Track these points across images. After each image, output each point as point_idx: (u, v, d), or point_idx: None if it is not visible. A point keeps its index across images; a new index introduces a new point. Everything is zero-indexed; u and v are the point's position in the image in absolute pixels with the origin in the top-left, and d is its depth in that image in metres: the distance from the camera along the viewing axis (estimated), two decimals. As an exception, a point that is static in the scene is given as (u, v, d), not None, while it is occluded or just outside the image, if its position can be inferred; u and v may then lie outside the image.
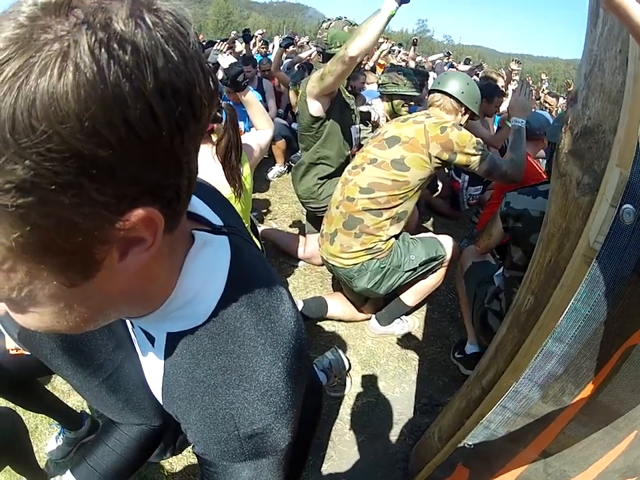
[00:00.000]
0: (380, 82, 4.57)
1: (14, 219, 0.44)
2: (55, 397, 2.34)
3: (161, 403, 0.90)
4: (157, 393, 0.89)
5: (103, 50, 0.42)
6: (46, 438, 2.56)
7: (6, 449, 1.79)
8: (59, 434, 2.49)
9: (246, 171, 2.57)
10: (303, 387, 0.85)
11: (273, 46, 10.43)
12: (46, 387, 2.46)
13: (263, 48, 10.25)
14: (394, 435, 2.72)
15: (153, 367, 0.88)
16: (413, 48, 12.02)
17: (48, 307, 0.57)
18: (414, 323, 3.58)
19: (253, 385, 0.73)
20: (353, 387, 3.00)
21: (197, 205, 0.82)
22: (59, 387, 2.76)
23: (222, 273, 0.76)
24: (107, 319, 0.68)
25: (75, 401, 2.69)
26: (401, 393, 3.02)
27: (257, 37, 11.01)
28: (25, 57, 0.41)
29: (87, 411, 2.63)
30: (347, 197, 3.01)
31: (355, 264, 3.00)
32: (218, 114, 2.42)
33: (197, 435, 0.78)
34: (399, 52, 12.45)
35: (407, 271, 3.05)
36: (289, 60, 7.62)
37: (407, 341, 3.47)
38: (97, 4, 0.45)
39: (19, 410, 2.14)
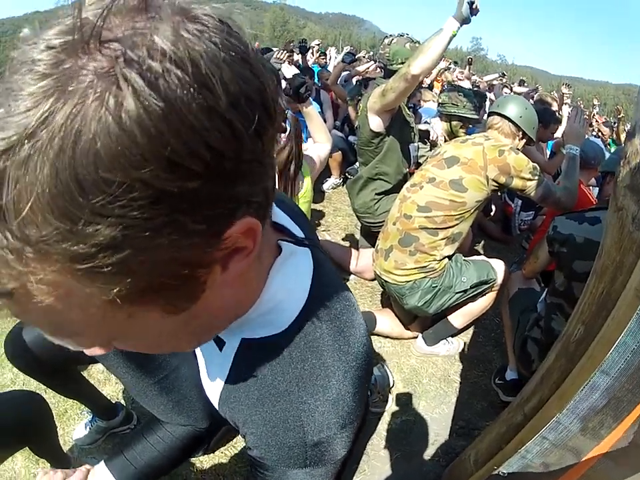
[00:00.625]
0: (440, 101, 4.56)
1: (110, 276, 0.43)
2: (90, 384, 2.37)
3: (215, 406, 0.92)
4: (214, 395, 0.91)
5: (159, 78, 0.39)
6: (74, 423, 2.61)
7: (25, 431, 1.82)
8: (90, 421, 2.52)
9: (307, 183, 2.58)
10: (365, 400, 0.85)
11: (330, 57, 10.46)
12: (82, 374, 2.48)
13: (322, 59, 10.24)
14: (428, 455, 2.70)
15: (214, 370, 0.89)
16: (468, 67, 11.98)
17: (156, 336, 0.58)
18: (459, 345, 3.56)
19: (325, 395, 0.74)
20: (393, 404, 2.99)
21: (282, 217, 0.83)
22: (95, 375, 2.82)
23: (305, 284, 0.77)
24: (211, 335, 0.70)
25: (110, 391, 2.75)
26: (439, 414, 3.00)
27: (313, 47, 11.04)
28: (69, 108, 0.37)
29: (122, 402, 2.67)
30: (405, 214, 3.02)
31: (408, 281, 3.00)
32: (282, 124, 2.44)
33: (260, 439, 0.78)
34: (454, 70, 12.44)
35: (457, 292, 3.05)
36: (346, 73, 7.64)
37: (450, 362, 3.44)
38: (131, 29, 0.41)
39: (50, 393, 2.18)
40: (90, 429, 2.51)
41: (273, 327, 0.75)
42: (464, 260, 3.15)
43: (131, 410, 2.66)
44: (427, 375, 3.29)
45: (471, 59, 12.48)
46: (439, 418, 2.96)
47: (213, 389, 0.90)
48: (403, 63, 3.33)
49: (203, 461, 2.44)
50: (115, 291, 0.44)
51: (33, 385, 2.67)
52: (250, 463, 0.87)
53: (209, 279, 0.52)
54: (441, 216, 2.89)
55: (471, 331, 3.76)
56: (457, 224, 2.92)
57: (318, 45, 12.04)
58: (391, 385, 3.06)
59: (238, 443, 2.55)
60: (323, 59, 10.27)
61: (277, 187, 2.40)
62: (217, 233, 0.48)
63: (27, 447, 1.91)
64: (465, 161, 2.88)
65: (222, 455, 2.49)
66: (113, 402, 2.57)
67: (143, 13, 0.42)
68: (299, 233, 0.84)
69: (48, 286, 0.43)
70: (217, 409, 0.92)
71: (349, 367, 0.77)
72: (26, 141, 0.37)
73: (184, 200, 0.42)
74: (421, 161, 4.03)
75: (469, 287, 3.06)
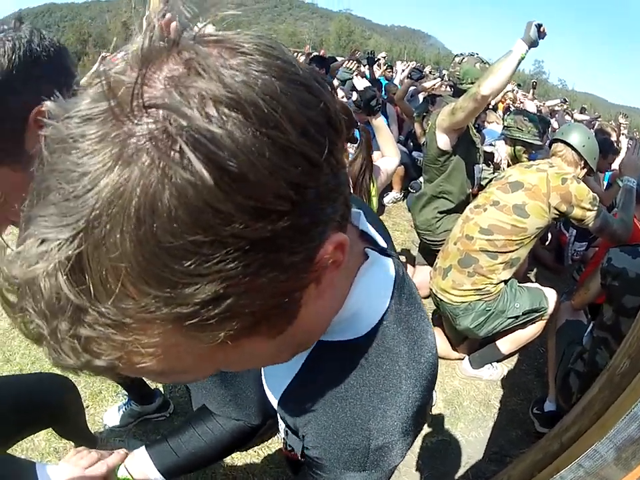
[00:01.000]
0: (505, 124, 4.54)
1: (215, 325, 0.43)
2: None
3: (274, 403, 0.93)
4: (275, 393, 0.92)
5: (219, 130, 0.36)
6: (107, 404, 2.67)
7: (51, 415, 1.83)
8: (125, 404, 2.57)
9: (373, 193, 2.60)
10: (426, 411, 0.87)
11: (396, 71, 10.45)
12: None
13: (388, 72, 10.20)
14: (458, 476, 2.71)
15: (280, 369, 0.87)
16: (532, 90, 11.88)
17: (260, 357, 0.60)
18: (502, 371, 3.54)
19: (395, 401, 0.75)
20: (432, 423, 2.99)
21: (368, 227, 0.83)
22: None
23: (387, 292, 0.78)
24: (311, 344, 0.72)
25: (150, 377, 2.80)
26: (475, 437, 2.99)
27: (380, 60, 11.03)
28: (133, 181, 0.35)
29: (161, 389, 2.71)
30: (466, 235, 3.04)
31: (463, 302, 3.02)
32: (354, 135, 2.46)
33: (323, 440, 0.79)
34: (517, 92, 12.34)
35: (509, 318, 3.05)
36: (412, 88, 7.62)
37: (492, 387, 3.43)
38: (171, 79, 0.38)
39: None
40: (123, 411, 2.56)
41: (352, 332, 0.76)
42: (518, 286, 3.15)
43: (169, 398, 2.71)
44: (469, 398, 3.29)
45: (535, 82, 12.40)
46: (474, 441, 2.96)
47: (275, 386, 0.92)
48: (472, 83, 3.35)
49: (235, 459, 2.47)
50: (222, 335, 0.44)
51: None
52: (307, 463, 0.88)
53: (304, 296, 0.52)
54: (502, 240, 2.89)
55: (515, 358, 3.73)
56: (517, 249, 2.93)
57: (384, 57, 12.06)
58: (433, 404, 3.07)
59: (272, 444, 2.58)
60: (390, 72, 10.22)
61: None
62: (311, 257, 0.47)
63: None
64: (529, 187, 2.89)
65: (254, 454, 2.52)
66: (152, 388, 2.61)
67: (176, 56, 0.40)
68: (382, 243, 0.85)
69: (154, 348, 0.43)
70: (275, 406, 0.93)
71: (419, 376, 0.78)
72: (96, 222, 0.36)
73: (277, 239, 0.41)
74: (483, 182, 4.04)
75: (520, 314, 3.05)
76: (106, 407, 2.66)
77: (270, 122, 0.39)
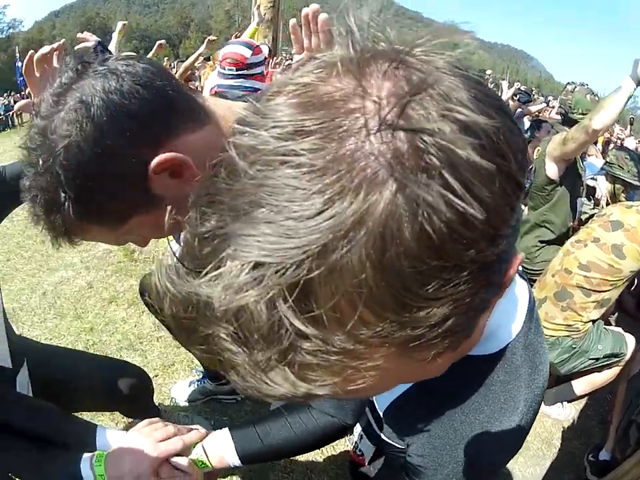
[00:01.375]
0: (607, 159, 4.42)
1: (433, 345, 0.42)
2: None
3: (379, 410, 0.94)
4: (384, 398, 0.92)
5: (474, 155, 0.35)
6: (178, 377, 2.70)
7: (121, 403, 1.85)
8: (198, 381, 2.58)
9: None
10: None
11: (502, 90, 10.33)
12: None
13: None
14: (507, 510, 2.64)
15: None
16: (629, 127, 11.48)
17: (439, 369, 0.58)
18: (570, 412, 3.46)
19: (510, 420, 0.75)
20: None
21: None
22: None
23: (522, 313, 0.78)
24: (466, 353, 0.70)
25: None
26: (531, 474, 2.93)
27: (488, 77, 10.91)
28: (379, 205, 0.33)
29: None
30: (565, 269, 2.99)
31: (552, 336, 2.97)
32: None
33: (433, 449, 0.79)
34: (614, 126, 12.03)
35: (590, 359, 3.00)
36: (519, 110, 7.53)
37: (557, 427, 3.36)
38: (400, 97, 0.35)
39: (165, 341, 2.16)
40: (194, 388, 2.58)
41: (485, 348, 0.76)
42: (603, 327, 3.09)
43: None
44: (534, 434, 3.22)
45: (632, 118, 12.03)
46: (530, 477, 2.91)
47: (386, 393, 0.90)
48: (583, 114, 3.40)
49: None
50: (433, 353, 0.44)
51: (146, 330, 2.80)
52: (406, 467, 0.88)
53: None
54: (598, 278, 2.84)
55: (582, 401, 3.63)
56: (609, 290, 2.87)
57: (489, 75, 11.93)
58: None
59: (338, 445, 2.56)
60: (495, 90, 10.08)
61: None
62: (504, 275, 0.46)
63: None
64: (628, 228, 2.83)
65: (318, 452, 2.50)
66: None
67: (395, 70, 0.37)
68: None
69: (375, 371, 0.42)
70: (380, 410, 0.94)
71: (534, 399, 0.78)
72: (333, 246, 0.33)
73: (496, 262, 0.41)
74: (582, 217, 3.96)
75: (601, 356, 3.00)
76: (176, 379, 2.70)
77: (498, 150, 0.38)
